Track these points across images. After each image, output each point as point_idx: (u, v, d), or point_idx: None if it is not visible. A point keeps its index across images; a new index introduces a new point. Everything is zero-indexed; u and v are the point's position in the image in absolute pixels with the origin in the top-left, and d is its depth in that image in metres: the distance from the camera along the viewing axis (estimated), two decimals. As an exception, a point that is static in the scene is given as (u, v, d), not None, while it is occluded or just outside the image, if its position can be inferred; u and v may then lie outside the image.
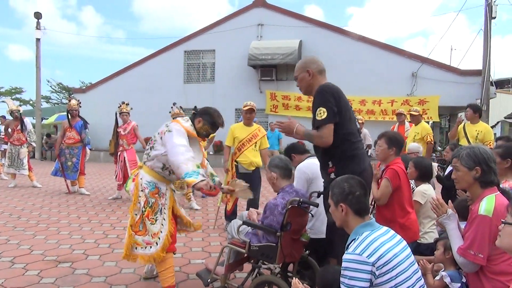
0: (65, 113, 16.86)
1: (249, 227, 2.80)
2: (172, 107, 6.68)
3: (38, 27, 16.89)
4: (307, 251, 2.95)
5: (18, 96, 40.36)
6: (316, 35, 14.76)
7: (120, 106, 7.45)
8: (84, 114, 17.27)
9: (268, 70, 14.67)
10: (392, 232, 1.82)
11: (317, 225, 3.02)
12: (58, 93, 38.62)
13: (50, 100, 37.85)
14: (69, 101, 7.74)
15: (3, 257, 3.81)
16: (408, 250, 1.79)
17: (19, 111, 8.59)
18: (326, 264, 2.79)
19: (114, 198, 7.24)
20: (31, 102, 38.91)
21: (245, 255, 2.74)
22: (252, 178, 5.13)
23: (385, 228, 1.84)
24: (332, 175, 2.54)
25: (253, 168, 5.13)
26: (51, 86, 37.00)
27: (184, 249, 4.21)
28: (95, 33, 79.19)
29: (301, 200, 2.59)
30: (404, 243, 1.80)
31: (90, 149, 7.78)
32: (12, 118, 8.57)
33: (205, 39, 16.01)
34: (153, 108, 15.07)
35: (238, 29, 15.43)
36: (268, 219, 2.60)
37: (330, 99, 2.50)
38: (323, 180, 2.70)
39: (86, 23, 78.40)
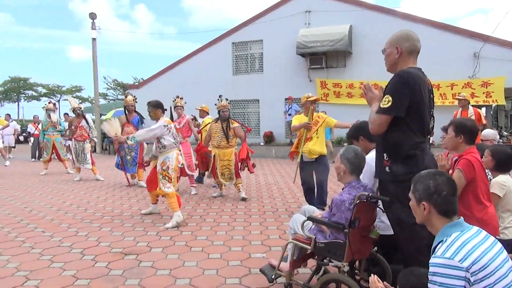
0: (122, 109, 17.61)
1: (312, 223, 2.70)
2: (218, 99, 6.68)
3: (93, 27, 17.65)
4: (375, 248, 2.80)
5: (78, 94, 43.02)
6: (366, 18, 14.15)
7: (175, 100, 7.59)
8: (138, 109, 18.00)
9: (318, 58, 14.32)
10: (484, 232, 1.64)
11: (385, 221, 2.85)
12: (113, 90, 40.52)
13: (106, 97, 39.72)
14: (126, 97, 7.98)
15: (74, 249, 4.01)
16: (505, 253, 1.60)
17: (81, 108, 9.05)
18: (396, 262, 2.64)
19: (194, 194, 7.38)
20: (89, 99, 41.27)
21: (310, 251, 2.65)
22: (315, 166, 5.13)
23: (476, 228, 1.65)
24: (387, 169, 2.37)
25: (316, 156, 5.20)
26: (107, 83, 38.91)
27: (243, 242, 4.20)
28: (147, 30, 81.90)
29: (369, 194, 2.45)
30: (499, 244, 1.62)
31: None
32: (74, 115, 9.04)
33: (252, 30, 15.94)
34: (203, 101, 15.08)
35: (285, 17, 15.18)
36: (335, 217, 2.48)
37: (404, 89, 2.30)
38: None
39: (139, 21, 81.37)
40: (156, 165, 5.16)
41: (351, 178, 2.60)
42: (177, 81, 16.81)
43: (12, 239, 4.37)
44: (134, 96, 8.06)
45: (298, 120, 5.36)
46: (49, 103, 10.23)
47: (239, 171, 6.62)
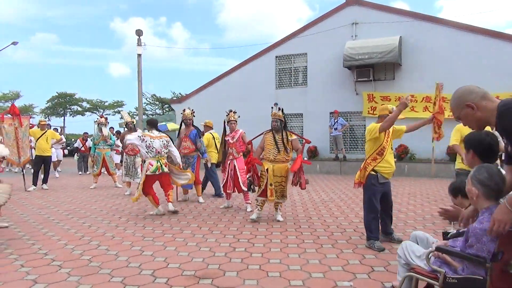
0: (164, 123, 17.76)
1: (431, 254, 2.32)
2: (272, 108, 6.30)
3: (139, 43, 18.06)
4: None
5: (119, 109, 44.28)
6: (417, 29, 13.66)
7: (228, 114, 7.39)
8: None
9: (365, 70, 13.90)
10: None
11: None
12: (152, 105, 41.42)
13: (145, 112, 40.65)
14: (184, 110, 7.83)
15: (144, 270, 3.79)
16: None
17: (134, 122, 9.04)
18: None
19: (226, 207, 7.17)
20: (131, 114, 42.44)
21: (436, 287, 2.26)
22: (387, 187, 4.64)
23: None
24: None
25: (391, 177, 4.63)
26: (146, 99, 39.81)
27: (321, 267, 3.84)
28: (182, 47, 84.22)
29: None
30: None
31: (205, 158, 7.78)
32: (127, 129, 9.04)
33: (296, 43, 15.76)
34: (246, 115, 15.02)
35: (330, 30, 14.92)
36: (474, 248, 2.10)
37: None
38: None
39: (175, 38, 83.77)
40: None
41: (489, 203, 2.19)
42: (220, 95, 16.82)
43: (78, 257, 4.21)
44: (192, 110, 7.88)
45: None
46: (101, 117, 10.36)
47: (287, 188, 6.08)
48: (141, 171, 8.84)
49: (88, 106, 45.18)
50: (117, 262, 4.04)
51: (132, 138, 6.55)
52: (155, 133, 6.60)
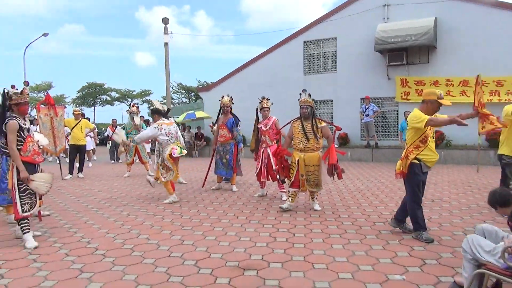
0: (192, 112, 17.79)
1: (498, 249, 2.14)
2: (300, 94, 6.02)
3: (166, 32, 18.07)
4: None
5: (147, 98, 44.94)
6: (453, 10, 12.96)
7: (261, 101, 7.24)
8: (209, 110, 18.11)
9: (398, 54, 13.36)
10: None
11: None
12: (178, 93, 41.71)
13: (172, 100, 41.04)
14: (222, 97, 7.73)
15: (187, 260, 3.75)
16: None
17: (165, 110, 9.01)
18: None
19: (260, 196, 7.09)
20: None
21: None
22: (424, 178, 4.38)
23: None
24: None
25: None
26: (172, 87, 40.07)
27: (369, 259, 3.69)
28: (205, 35, 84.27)
29: None
30: None
31: (241, 146, 7.71)
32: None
33: (325, 28, 15.33)
34: (273, 102, 14.96)
35: (360, 13, 14.40)
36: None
37: None
38: None
39: (199, 26, 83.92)
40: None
41: None
42: (247, 82, 16.65)
43: (120, 246, 4.22)
44: (230, 97, 7.75)
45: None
46: (132, 106, 10.43)
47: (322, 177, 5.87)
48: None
49: (116, 95, 46.05)
50: (159, 251, 4.02)
51: (144, 135, 7.00)
52: (166, 120, 6.89)
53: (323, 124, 5.89)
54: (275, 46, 16.61)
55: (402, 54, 13.31)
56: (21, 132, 4.22)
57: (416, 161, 4.27)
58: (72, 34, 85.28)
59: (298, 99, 6.02)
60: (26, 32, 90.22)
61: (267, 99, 7.26)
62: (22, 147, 4.21)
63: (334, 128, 6.26)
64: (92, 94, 45.46)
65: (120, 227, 5.05)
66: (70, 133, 10.38)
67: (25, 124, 4.33)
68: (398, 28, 13.07)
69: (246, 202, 6.62)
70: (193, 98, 40.54)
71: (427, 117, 4.06)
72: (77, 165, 10.53)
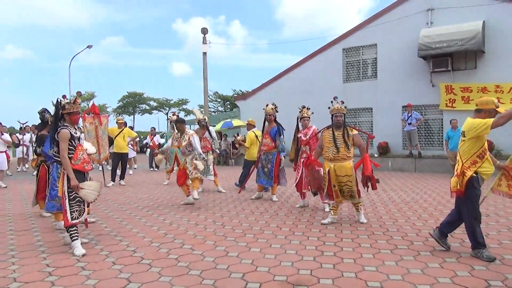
0: (229, 120, 17.87)
1: None
2: (332, 102, 5.72)
3: (204, 41, 18.33)
4: None
5: (184, 106, 45.95)
6: (502, 12, 12.37)
7: (301, 111, 7.11)
8: (245, 119, 18.04)
9: (442, 60, 12.87)
10: None
11: None
12: (214, 102, 42.28)
13: (208, 109, 41.67)
14: (266, 106, 7.67)
15: (233, 273, 3.65)
16: None
17: (206, 120, 9.08)
18: None
19: (302, 206, 6.93)
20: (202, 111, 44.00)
21: None
22: None
23: None
24: None
25: None
26: (208, 96, 40.71)
27: (426, 279, 3.45)
28: (241, 44, 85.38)
29: None
30: None
31: (283, 156, 7.56)
32: (199, 127, 9.12)
33: (364, 34, 15.04)
34: (312, 109, 14.77)
35: (402, 18, 14.03)
36: None
37: None
38: None
39: (234, 36, 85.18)
40: (183, 166, 7.23)
41: None
42: (285, 91, 16.59)
43: (165, 256, 4.20)
44: (274, 105, 7.64)
45: None
46: (173, 115, 10.57)
47: (359, 189, 5.61)
48: (214, 168, 8.91)
49: (155, 104, 47.33)
50: (205, 262, 3.96)
51: (197, 142, 7.23)
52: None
53: (355, 132, 5.65)
54: (313, 54, 16.47)
55: (447, 59, 12.80)
56: (72, 141, 4.32)
57: (475, 174, 3.99)
58: (113, 45, 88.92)
59: (329, 107, 5.77)
60: (68, 44, 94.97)
61: (307, 108, 7.12)
62: (73, 155, 4.30)
63: (367, 135, 6.06)
64: (132, 103, 47.00)
65: (164, 236, 5.05)
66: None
67: (76, 133, 4.44)
68: (442, 33, 12.59)
69: (287, 213, 6.48)
70: (228, 106, 40.95)
71: (490, 119, 3.79)
72: (119, 172, 10.78)
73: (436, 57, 12.91)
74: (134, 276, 3.61)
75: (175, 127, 7.63)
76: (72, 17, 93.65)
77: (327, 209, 6.50)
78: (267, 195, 7.99)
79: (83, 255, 4.18)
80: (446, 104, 13.35)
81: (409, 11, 13.89)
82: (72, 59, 28.30)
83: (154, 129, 16.89)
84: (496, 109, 3.97)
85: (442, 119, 13.58)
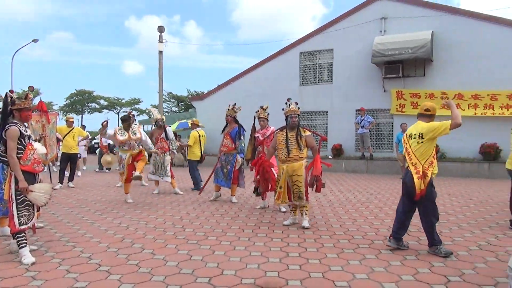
0: (186, 121, 17.50)
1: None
2: (286, 103, 5.70)
3: (160, 40, 17.89)
4: None
5: (136, 106, 44.49)
6: (450, 24, 13.16)
7: (258, 111, 7.11)
8: (202, 119, 17.84)
9: (394, 66, 13.46)
10: None
11: None
12: (168, 102, 41.41)
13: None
14: (229, 106, 7.55)
15: (199, 277, 3.52)
16: None
17: (163, 120, 8.81)
18: None
19: (262, 207, 6.89)
20: (147, 111, 42.61)
21: None
22: None
23: None
24: None
25: None
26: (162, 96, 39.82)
27: (390, 276, 3.53)
28: (196, 45, 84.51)
29: None
30: None
31: (242, 158, 7.45)
32: (156, 127, 8.83)
33: (321, 39, 15.40)
34: (269, 111, 14.84)
35: (357, 25, 14.51)
36: None
37: None
38: None
39: (189, 36, 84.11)
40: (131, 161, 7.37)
41: None
42: (242, 92, 16.53)
43: (124, 262, 3.98)
44: (232, 106, 7.54)
45: None
46: (128, 113, 10.14)
47: (308, 192, 5.49)
48: (171, 169, 8.67)
49: (105, 103, 45.46)
50: (168, 267, 3.79)
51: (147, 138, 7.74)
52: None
53: (308, 133, 5.60)
54: (271, 56, 16.61)
55: (399, 66, 13.40)
56: (22, 139, 3.98)
57: (432, 175, 4.17)
58: (61, 41, 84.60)
59: (283, 109, 5.73)
60: (11, 37, 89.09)
61: (264, 108, 7.10)
62: (22, 155, 3.95)
63: (320, 137, 6.12)
64: (80, 102, 44.84)
65: (121, 240, 4.80)
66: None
67: (26, 131, 4.09)
68: (395, 41, 13.17)
69: (248, 214, 6.42)
70: (182, 107, 40.28)
71: (448, 121, 3.99)
72: (67, 174, 10.19)
73: (388, 64, 13.48)
74: (92, 284, 3.37)
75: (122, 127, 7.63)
76: (16, 9, 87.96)
77: (283, 210, 6.52)
78: (226, 197, 7.89)
79: (33, 263, 3.85)
80: (397, 108, 13.96)
81: (364, 18, 14.40)
82: (15, 53, 26.51)
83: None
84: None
85: (392, 123, 14.18)
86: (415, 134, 4.26)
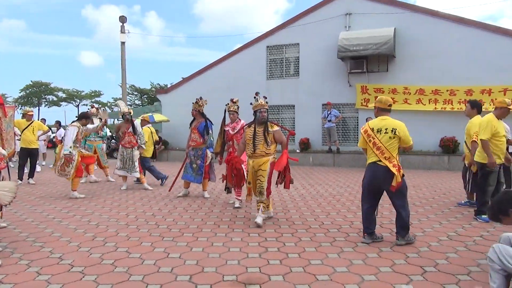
0: (150, 114, 17.05)
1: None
2: (254, 97, 5.60)
3: (122, 30, 17.31)
4: None
5: (97, 99, 42.85)
6: (412, 21, 13.57)
7: (228, 104, 6.99)
8: (167, 113, 17.52)
9: (359, 62, 13.76)
10: None
11: None
12: (130, 95, 40.26)
13: (124, 102, 39.45)
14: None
15: (180, 276, 3.44)
16: None
17: (131, 113, 8.52)
18: None
19: (236, 207, 6.77)
20: (109, 104, 41.18)
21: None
22: None
23: None
24: None
25: None
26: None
27: (370, 269, 3.61)
28: (157, 36, 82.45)
29: None
30: None
31: (211, 152, 7.34)
32: (123, 120, 8.54)
33: (288, 33, 15.45)
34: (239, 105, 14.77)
35: (323, 20, 14.67)
36: None
37: None
38: None
39: (150, 27, 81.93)
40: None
41: None
42: (208, 86, 16.29)
43: (99, 261, 3.82)
44: (197, 100, 7.33)
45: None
46: (91, 107, 9.78)
47: (270, 187, 5.33)
48: (139, 165, 8.43)
49: (63, 96, 43.45)
50: (145, 266, 3.68)
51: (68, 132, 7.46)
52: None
53: (276, 128, 5.46)
54: (237, 49, 16.49)
55: (363, 62, 13.71)
56: (-16, 134, 3.71)
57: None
58: (12, 29, 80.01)
59: (251, 103, 5.60)
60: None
61: (234, 101, 6.95)
62: (-16, 151, 3.69)
63: (288, 132, 6.04)
64: (37, 94, 42.58)
65: (93, 239, 4.61)
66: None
67: (-12, 126, 3.82)
68: (359, 37, 13.44)
69: (222, 209, 6.36)
70: (146, 100, 39.31)
71: (411, 141, 4.35)
72: (26, 170, 9.68)
73: (353, 59, 13.75)
74: (67, 286, 3.21)
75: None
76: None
77: (237, 205, 6.46)
78: (197, 192, 7.78)
79: (-2, 266, 3.63)
80: (361, 103, 14.30)
81: (329, 14, 14.58)
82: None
83: (59, 123, 15.54)
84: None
85: (357, 117, 14.52)
86: (386, 129, 4.31)
